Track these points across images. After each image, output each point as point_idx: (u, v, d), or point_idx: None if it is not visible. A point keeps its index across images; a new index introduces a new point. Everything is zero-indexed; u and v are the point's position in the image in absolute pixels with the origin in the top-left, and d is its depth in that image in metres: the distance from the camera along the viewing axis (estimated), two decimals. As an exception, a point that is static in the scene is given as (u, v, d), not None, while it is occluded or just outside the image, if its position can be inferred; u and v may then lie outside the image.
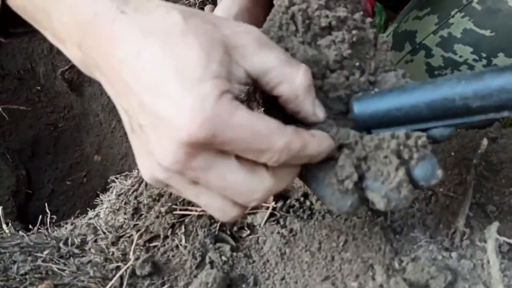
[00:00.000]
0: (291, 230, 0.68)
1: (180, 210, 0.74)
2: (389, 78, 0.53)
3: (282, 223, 0.71)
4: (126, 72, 0.41)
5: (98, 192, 1.54)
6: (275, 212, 0.72)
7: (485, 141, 0.67)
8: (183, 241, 0.70)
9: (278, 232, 0.68)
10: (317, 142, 0.45)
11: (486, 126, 0.83)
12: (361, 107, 0.48)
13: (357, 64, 0.53)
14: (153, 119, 0.40)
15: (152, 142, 0.42)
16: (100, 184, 1.50)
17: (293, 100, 0.47)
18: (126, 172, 0.91)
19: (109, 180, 0.90)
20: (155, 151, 0.42)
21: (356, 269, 0.58)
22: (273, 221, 0.71)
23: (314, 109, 0.48)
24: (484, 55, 0.81)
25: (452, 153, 0.75)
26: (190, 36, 0.41)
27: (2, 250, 0.69)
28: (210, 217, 0.72)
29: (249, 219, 0.73)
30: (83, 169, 1.55)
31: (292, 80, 0.46)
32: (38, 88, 1.56)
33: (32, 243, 0.72)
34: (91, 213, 0.84)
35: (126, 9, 0.42)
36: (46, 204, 1.52)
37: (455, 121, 0.45)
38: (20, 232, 0.77)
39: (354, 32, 0.53)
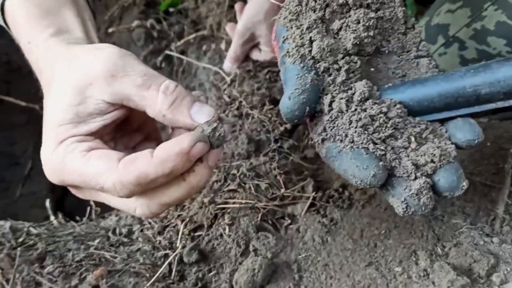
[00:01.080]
0: (331, 219, 0.71)
1: (222, 202, 0.77)
2: (421, 66, 0.53)
3: (322, 212, 0.73)
4: None
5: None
6: (315, 202, 0.74)
7: (523, 130, 0.69)
8: (227, 230, 0.73)
9: (319, 221, 0.71)
10: (158, 163, 0.43)
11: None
12: (387, 97, 0.49)
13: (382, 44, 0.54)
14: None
15: None
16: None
17: (163, 119, 0.46)
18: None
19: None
20: None
21: (399, 255, 0.60)
22: (314, 211, 0.74)
23: (191, 119, 0.45)
24: (517, 47, 0.82)
25: (488, 144, 0.77)
26: (52, 83, 0.49)
27: (57, 239, 0.73)
28: (252, 208, 0.75)
29: (289, 210, 0.75)
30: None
31: (153, 103, 0.45)
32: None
33: (83, 233, 0.75)
34: (134, 205, 0.87)
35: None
36: (83, 199, 1.57)
37: (467, 110, 0.47)
38: (71, 222, 0.81)
39: (379, 11, 0.53)
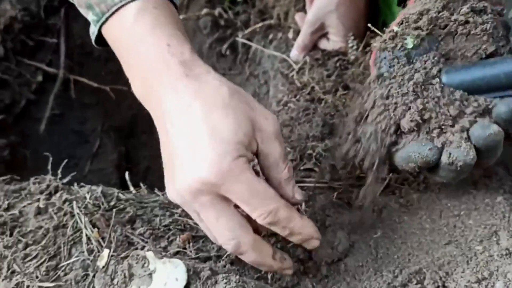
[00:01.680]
0: (408, 201, 0.73)
1: (298, 181, 0.80)
2: None
3: (397, 194, 0.75)
4: (172, 118, 0.58)
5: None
6: (390, 183, 0.76)
7: None
8: (303, 206, 0.76)
9: (395, 202, 0.73)
10: (301, 223, 0.59)
11: None
12: (449, 78, 0.58)
13: None
14: (181, 156, 0.56)
15: (177, 173, 0.57)
16: (191, 163, 1.60)
17: (278, 183, 0.60)
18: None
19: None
20: (177, 179, 0.57)
21: (479, 234, 0.62)
22: (389, 192, 0.76)
23: (293, 195, 0.61)
24: None
25: None
26: (230, 109, 0.55)
27: (144, 205, 0.78)
28: (328, 187, 0.78)
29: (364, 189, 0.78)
30: (176, 148, 1.65)
31: (279, 172, 0.60)
32: (138, 71, 1.67)
33: (166, 201, 0.80)
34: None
35: (190, 74, 0.57)
36: (143, 179, 1.64)
37: None
38: (155, 190, 0.86)
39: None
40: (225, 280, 0.58)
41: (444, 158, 0.57)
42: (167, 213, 0.77)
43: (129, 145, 1.65)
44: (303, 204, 0.76)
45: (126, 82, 1.69)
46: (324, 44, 1.17)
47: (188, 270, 0.59)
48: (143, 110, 1.67)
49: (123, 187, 1.52)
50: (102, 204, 0.76)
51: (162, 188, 1.42)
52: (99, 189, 0.79)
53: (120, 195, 0.80)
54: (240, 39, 1.40)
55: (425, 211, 0.69)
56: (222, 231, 0.58)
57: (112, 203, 0.77)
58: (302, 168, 0.81)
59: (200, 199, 0.56)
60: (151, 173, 1.64)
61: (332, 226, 0.72)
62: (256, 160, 0.61)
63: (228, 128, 0.55)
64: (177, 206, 0.80)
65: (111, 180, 1.47)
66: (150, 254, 0.62)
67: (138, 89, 0.65)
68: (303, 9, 1.26)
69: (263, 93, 1.42)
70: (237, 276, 0.59)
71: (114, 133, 1.60)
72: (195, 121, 0.55)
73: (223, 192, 0.55)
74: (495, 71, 0.55)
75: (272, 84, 1.38)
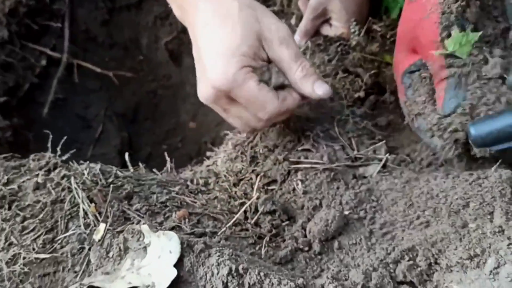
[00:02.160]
0: (405, 181, 0.73)
1: (295, 162, 0.80)
2: None
3: (394, 174, 0.75)
4: (196, 33, 0.70)
5: (192, 156, 1.65)
6: (387, 164, 0.76)
7: None
8: (300, 185, 0.77)
9: (392, 182, 0.73)
10: (296, 103, 0.73)
11: None
12: (478, 130, 0.60)
13: None
14: (202, 66, 0.69)
15: (199, 80, 0.71)
16: (194, 150, 1.60)
17: (294, 84, 0.71)
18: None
19: (222, 134, 0.98)
20: (200, 86, 0.71)
21: (474, 212, 0.62)
22: (385, 172, 0.76)
23: (313, 91, 0.71)
24: None
25: None
26: (237, 25, 0.66)
27: (142, 182, 0.78)
28: (325, 168, 0.78)
29: (361, 170, 0.78)
30: (179, 134, 1.66)
31: (293, 73, 0.70)
32: (141, 57, 1.68)
33: (164, 180, 0.81)
34: (208, 162, 0.92)
35: None
36: (145, 165, 1.65)
37: None
38: (154, 170, 0.86)
39: None
40: (218, 253, 0.58)
41: None
42: (165, 191, 0.78)
43: (131, 131, 1.65)
44: (299, 183, 0.77)
45: (130, 68, 1.69)
46: (326, 30, 1.17)
47: (182, 243, 0.60)
48: (147, 97, 1.67)
49: (125, 172, 1.53)
50: (100, 180, 0.76)
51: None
52: (97, 166, 0.80)
53: (118, 172, 0.80)
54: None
55: (421, 190, 0.69)
56: (243, 117, 0.73)
57: (110, 180, 0.77)
58: (299, 148, 0.81)
59: (219, 102, 0.71)
60: (153, 159, 1.64)
61: (327, 204, 0.72)
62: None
63: (233, 42, 0.66)
64: (174, 184, 0.80)
65: (113, 165, 1.47)
66: (145, 228, 0.63)
67: (177, 12, 0.75)
68: (307, -5, 1.26)
69: (266, 79, 1.42)
70: (230, 250, 0.59)
71: (117, 118, 1.61)
72: (210, 37, 0.67)
73: (233, 96, 0.68)
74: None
75: (274, 70, 1.38)
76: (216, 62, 0.67)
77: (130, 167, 0.93)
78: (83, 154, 1.51)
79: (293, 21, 1.31)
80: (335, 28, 1.14)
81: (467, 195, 0.64)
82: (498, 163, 0.66)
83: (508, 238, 0.56)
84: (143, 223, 0.66)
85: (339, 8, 1.12)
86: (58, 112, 1.50)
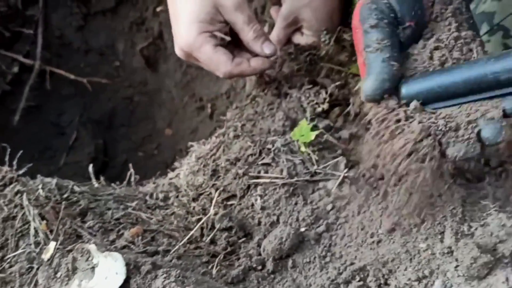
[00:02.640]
0: (363, 193, 0.72)
1: (255, 176, 0.79)
2: None
3: (353, 190, 0.74)
4: (169, 4, 0.82)
5: (168, 164, 1.64)
6: (346, 180, 0.76)
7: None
8: (258, 200, 0.76)
9: (350, 197, 0.72)
10: (251, 69, 0.84)
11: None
12: (408, 89, 0.56)
13: None
14: (173, 31, 0.82)
15: (174, 42, 0.83)
16: (170, 157, 1.59)
17: (247, 44, 0.83)
18: (203, 140, 0.97)
19: (187, 146, 0.96)
20: (175, 47, 0.84)
21: (426, 232, 0.61)
22: (344, 187, 0.75)
23: (261, 50, 0.84)
24: None
25: (526, 133, 0.76)
26: None
27: (98, 198, 0.77)
28: (284, 183, 0.77)
29: (320, 185, 0.77)
30: (155, 141, 1.65)
31: (245, 34, 0.82)
32: (117, 63, 1.66)
33: (122, 194, 0.80)
34: (171, 174, 0.91)
35: None
36: (120, 172, 1.63)
37: (489, 94, 0.52)
38: (112, 184, 0.85)
39: None
40: (164, 275, 0.57)
41: None
42: (121, 206, 0.76)
43: (107, 138, 1.64)
44: (258, 199, 0.76)
45: (105, 74, 1.68)
46: (298, 39, 1.16)
47: (128, 264, 0.59)
48: (123, 103, 1.66)
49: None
50: (55, 196, 0.75)
51: (140, 181, 1.41)
52: (53, 181, 0.78)
53: (75, 187, 0.79)
54: (218, 34, 1.38)
55: (376, 207, 0.68)
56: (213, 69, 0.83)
57: (65, 196, 0.76)
58: (260, 162, 0.80)
59: (189, 59, 0.84)
60: (129, 167, 1.63)
61: (284, 221, 0.71)
62: None
63: (192, 11, 0.77)
64: (131, 199, 0.79)
65: (86, 173, 1.46)
66: (93, 247, 0.62)
67: None
68: (279, 3, 1.25)
69: (239, 87, 1.42)
70: (178, 271, 0.58)
71: (92, 125, 1.60)
72: (176, 7, 0.80)
73: (194, 56, 0.81)
74: (454, 78, 0.53)
75: (249, 78, 1.37)
76: (179, 29, 0.79)
77: (93, 179, 0.92)
78: (56, 161, 1.49)
79: (265, 28, 1.30)
80: (307, 36, 1.13)
81: (420, 214, 0.63)
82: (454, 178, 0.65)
83: (456, 260, 0.56)
84: (92, 243, 0.65)
85: (310, 17, 1.10)
86: (31, 119, 1.48)
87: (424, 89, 0.55)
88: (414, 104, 0.55)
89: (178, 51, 0.84)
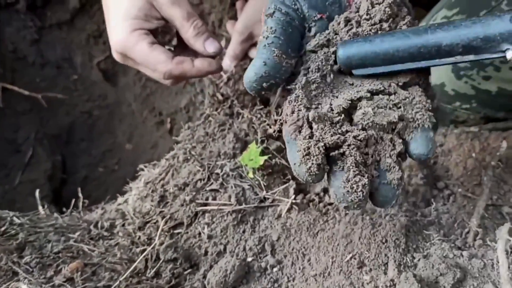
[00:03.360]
0: (310, 224, 0.71)
1: (202, 204, 0.77)
2: None
3: (301, 216, 0.73)
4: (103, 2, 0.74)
5: (128, 180, 1.60)
6: (295, 206, 0.74)
7: (504, 144, 0.68)
8: (205, 229, 0.73)
9: (298, 224, 0.71)
10: (195, 70, 0.73)
11: (510, 128, 0.83)
12: (346, 50, 0.53)
13: None
14: (107, 31, 0.73)
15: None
16: (130, 172, 1.55)
17: (188, 42, 0.74)
18: (155, 161, 0.94)
19: (138, 168, 0.94)
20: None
21: (370, 263, 0.60)
22: (293, 214, 0.74)
23: (204, 48, 0.74)
24: (511, 57, 0.80)
25: (473, 154, 0.76)
26: None
27: (38, 230, 0.74)
28: (235, 211, 0.75)
29: (270, 211, 0.75)
30: (115, 156, 1.61)
31: (185, 31, 0.72)
32: (75, 77, 1.62)
33: (65, 225, 0.77)
34: (120, 199, 0.88)
35: None
36: (79, 189, 1.59)
37: (428, 63, 0.50)
38: (55, 214, 0.82)
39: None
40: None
41: None
42: (62, 238, 0.73)
43: (66, 153, 1.60)
44: (205, 228, 0.74)
45: (63, 88, 1.63)
46: (254, 54, 1.14)
47: (60, 307, 0.56)
48: (81, 117, 1.62)
49: (56, 199, 1.48)
50: (-9, 230, 0.71)
51: (100, 197, 1.37)
52: (-9, 213, 0.75)
53: (15, 218, 0.76)
54: (170, 47, 1.36)
55: (326, 235, 0.67)
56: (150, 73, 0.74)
57: (3, 228, 0.73)
58: (208, 188, 0.78)
59: (126, 62, 0.75)
60: (89, 182, 1.59)
61: (231, 250, 0.70)
62: None
63: (124, 8, 0.70)
64: (74, 230, 0.76)
65: (42, 192, 1.41)
66: (24, 288, 0.59)
67: None
68: (236, 17, 1.24)
69: (198, 101, 1.39)
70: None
71: (50, 141, 1.55)
72: (108, 4, 0.72)
73: (129, 57, 0.72)
74: (396, 42, 0.51)
75: (206, 93, 1.36)
76: (111, 28, 0.72)
77: (40, 208, 0.89)
78: (11, 180, 1.44)
79: (223, 43, 1.28)
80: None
81: (365, 244, 0.62)
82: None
83: (398, 294, 0.54)
84: (27, 282, 0.62)
85: (265, 33, 1.09)
86: (-17, 137, 1.43)
87: (363, 52, 0.52)
88: (312, 114, 0.49)
89: (114, 54, 0.75)
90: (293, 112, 0.51)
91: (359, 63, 0.52)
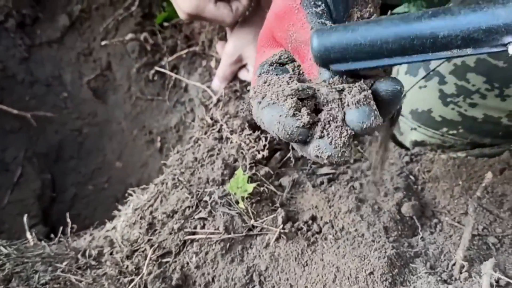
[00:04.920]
0: (298, 253, 0.71)
1: (191, 232, 0.77)
2: None
3: (290, 245, 0.73)
4: None
5: (119, 197, 1.60)
6: (284, 235, 0.74)
7: (489, 175, 0.69)
8: (194, 259, 0.73)
9: (286, 254, 0.71)
10: (243, 8, 0.95)
11: (496, 155, 0.83)
12: (322, 40, 0.44)
13: None
14: None
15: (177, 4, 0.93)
16: (120, 190, 1.54)
17: None
18: (144, 185, 0.94)
19: (127, 193, 0.93)
20: (178, 11, 0.94)
21: (356, 296, 0.60)
22: (282, 242, 0.74)
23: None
24: (496, 85, 0.81)
25: (460, 182, 0.77)
26: None
27: (26, 260, 0.73)
28: (223, 240, 0.75)
29: (258, 240, 0.75)
30: (105, 174, 1.60)
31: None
32: (65, 94, 1.61)
33: (53, 254, 0.76)
34: (108, 225, 0.88)
35: None
36: (69, 207, 1.58)
37: (421, 57, 0.43)
38: (42, 242, 0.81)
39: None
40: None
41: None
42: (50, 268, 0.73)
43: (55, 172, 1.58)
44: (193, 257, 0.74)
45: (53, 106, 1.62)
46: (244, 75, 1.15)
47: None
48: (71, 135, 1.61)
49: (45, 219, 1.46)
50: (-23, 261, 0.71)
51: (89, 215, 1.35)
52: (-22, 243, 0.74)
53: (1, 248, 0.75)
54: (162, 69, 1.37)
55: (314, 266, 0.67)
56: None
57: (-11, 259, 0.72)
58: (196, 216, 0.78)
59: (194, 18, 0.94)
60: (78, 201, 1.58)
61: (218, 281, 0.69)
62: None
63: None
64: (62, 260, 0.76)
65: (31, 211, 1.41)
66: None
67: None
68: (225, 38, 1.24)
69: (189, 121, 1.39)
70: None
71: (38, 159, 1.54)
72: None
73: (201, 16, 0.92)
74: (384, 31, 0.42)
75: (197, 113, 1.36)
76: None
77: (28, 234, 0.88)
78: (-1, 200, 1.43)
79: (213, 64, 1.29)
80: (252, 73, 1.13)
81: (353, 277, 0.62)
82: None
83: (384, 330, 0.54)
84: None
85: (254, 55, 1.10)
86: (-29, 157, 1.42)
87: (343, 42, 0.43)
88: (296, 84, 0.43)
89: (182, 15, 0.92)
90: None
91: (338, 57, 0.44)
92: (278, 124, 0.43)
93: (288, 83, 0.47)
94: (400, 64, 0.44)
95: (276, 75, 0.50)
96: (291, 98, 0.44)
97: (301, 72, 0.51)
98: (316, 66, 0.46)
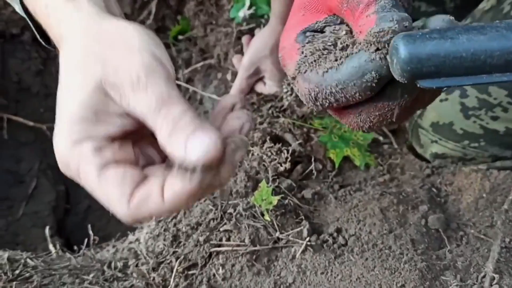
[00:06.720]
0: (325, 265, 0.71)
1: (216, 244, 0.78)
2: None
3: (316, 257, 0.73)
4: None
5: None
6: (309, 247, 0.74)
7: (516, 188, 0.69)
8: (220, 270, 0.74)
9: (313, 266, 0.71)
10: (167, 207, 0.38)
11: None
12: (413, 50, 0.35)
13: None
14: None
15: None
16: (134, 202, 1.55)
17: (162, 148, 0.38)
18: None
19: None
20: None
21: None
22: (308, 255, 0.74)
23: (184, 153, 0.37)
24: (518, 98, 0.82)
25: (484, 195, 0.77)
26: (76, 73, 0.42)
27: (53, 272, 0.74)
28: (249, 252, 0.75)
29: (284, 252, 0.76)
30: (119, 186, 1.60)
31: (158, 130, 0.39)
32: (79, 107, 1.62)
33: (79, 266, 0.76)
34: (131, 237, 0.88)
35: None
36: (82, 219, 1.58)
37: None
38: (67, 253, 0.82)
39: None
40: None
41: None
42: (77, 281, 0.73)
43: (69, 183, 1.59)
44: (220, 269, 0.74)
45: (66, 118, 1.62)
46: (260, 88, 1.16)
47: None
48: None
49: (60, 231, 1.47)
50: (5, 273, 0.71)
51: (103, 227, 1.35)
52: (5, 255, 0.74)
53: (28, 260, 0.75)
54: (178, 82, 1.38)
55: (340, 277, 0.67)
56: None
57: (17, 272, 0.72)
58: (222, 229, 0.78)
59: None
60: (92, 212, 1.58)
61: (247, 294, 0.70)
62: None
63: (66, 105, 0.41)
64: (88, 272, 0.76)
65: (47, 223, 1.41)
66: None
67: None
68: (242, 51, 1.26)
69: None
70: None
71: (53, 171, 1.55)
72: (59, 95, 0.44)
73: (76, 181, 0.43)
74: (480, 47, 0.34)
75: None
76: (54, 135, 0.43)
77: (50, 245, 0.88)
78: (14, 212, 1.43)
79: (229, 76, 1.30)
80: (269, 86, 1.14)
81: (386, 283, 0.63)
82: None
83: None
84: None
85: (271, 68, 1.11)
86: (-14, 169, 1.43)
87: (440, 55, 0.34)
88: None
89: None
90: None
91: (431, 71, 0.35)
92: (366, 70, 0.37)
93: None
94: (499, 82, 0.35)
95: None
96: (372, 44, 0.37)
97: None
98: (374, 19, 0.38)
